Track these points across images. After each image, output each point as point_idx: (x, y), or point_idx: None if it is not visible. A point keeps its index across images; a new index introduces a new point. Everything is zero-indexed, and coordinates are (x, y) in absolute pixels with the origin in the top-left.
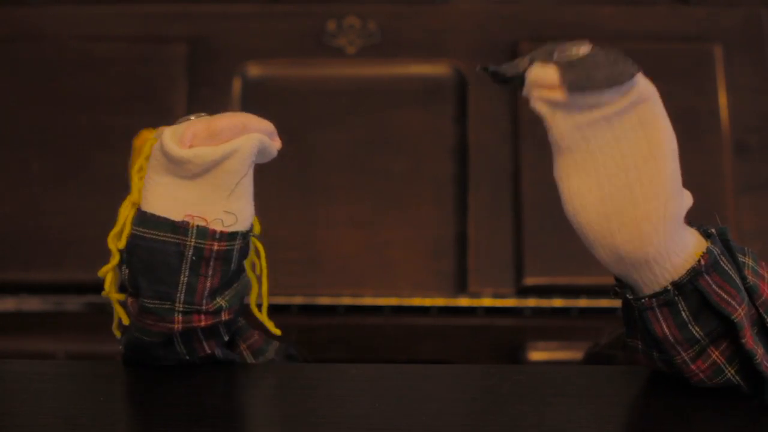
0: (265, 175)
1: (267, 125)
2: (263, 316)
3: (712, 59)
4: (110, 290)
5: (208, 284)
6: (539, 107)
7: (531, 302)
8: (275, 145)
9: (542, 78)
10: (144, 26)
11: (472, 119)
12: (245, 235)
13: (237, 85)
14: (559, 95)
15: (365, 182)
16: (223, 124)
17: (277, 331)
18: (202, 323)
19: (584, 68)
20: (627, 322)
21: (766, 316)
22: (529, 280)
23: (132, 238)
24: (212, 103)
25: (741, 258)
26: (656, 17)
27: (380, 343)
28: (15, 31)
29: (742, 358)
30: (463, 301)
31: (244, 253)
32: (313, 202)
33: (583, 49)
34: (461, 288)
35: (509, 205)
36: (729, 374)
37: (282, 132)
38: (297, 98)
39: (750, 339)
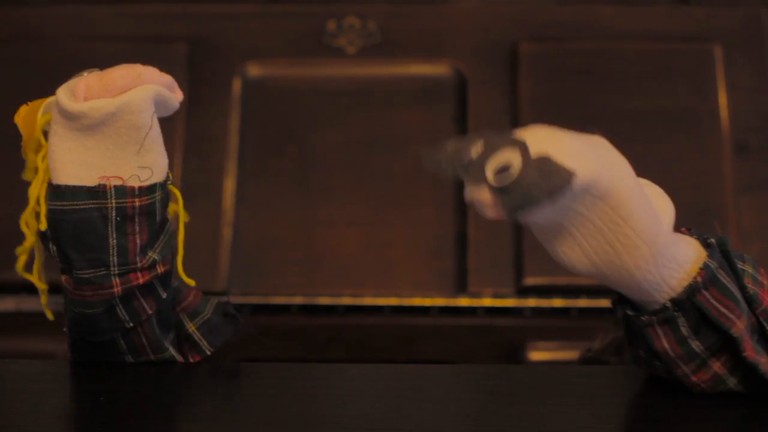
0: (266, 175)
1: (165, 77)
2: (179, 266)
3: (712, 59)
4: (21, 270)
5: (138, 241)
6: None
7: (531, 302)
8: (176, 97)
9: (479, 200)
10: (144, 26)
11: (472, 119)
12: (163, 186)
13: (237, 85)
14: (500, 215)
15: (365, 182)
16: (115, 75)
17: (192, 282)
18: (140, 280)
19: (520, 191)
20: (628, 332)
21: (766, 325)
22: (529, 280)
23: (52, 214)
24: (212, 103)
25: (740, 265)
26: (656, 17)
27: (380, 343)
28: (15, 31)
29: (745, 369)
30: (464, 301)
31: (165, 203)
32: (313, 202)
33: (512, 159)
34: (461, 288)
35: None
36: (731, 384)
37: (282, 132)
38: (297, 98)
39: (751, 351)
